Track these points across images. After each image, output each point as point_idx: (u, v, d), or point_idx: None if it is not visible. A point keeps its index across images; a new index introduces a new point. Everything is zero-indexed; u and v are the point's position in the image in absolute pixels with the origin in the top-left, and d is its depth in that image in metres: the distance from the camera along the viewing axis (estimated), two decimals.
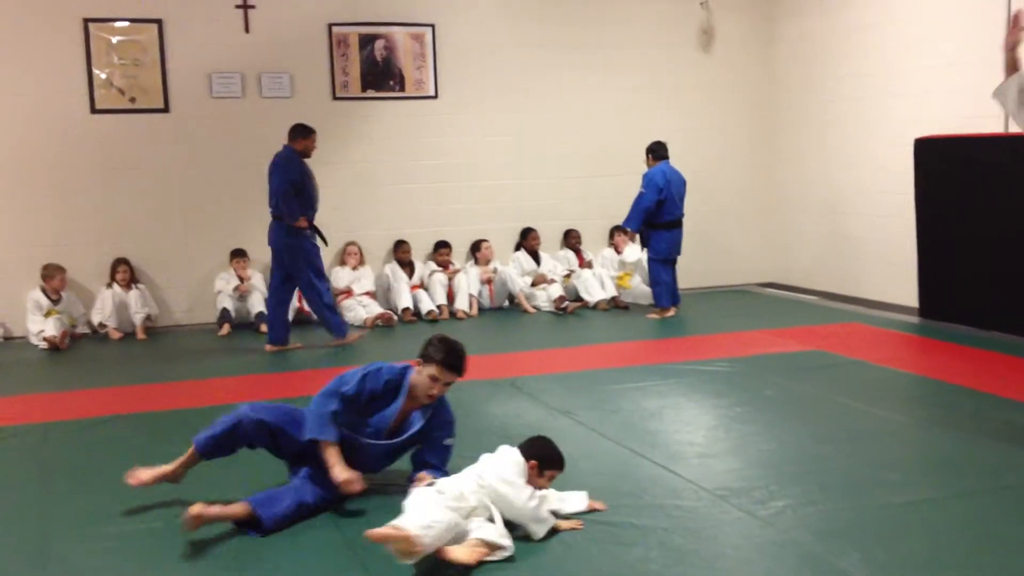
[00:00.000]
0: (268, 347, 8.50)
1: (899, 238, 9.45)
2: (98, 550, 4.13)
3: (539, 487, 4.18)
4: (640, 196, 9.45)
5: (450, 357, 4.52)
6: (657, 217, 9.46)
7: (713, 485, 4.74)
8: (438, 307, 9.86)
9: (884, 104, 9.73)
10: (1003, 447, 5.24)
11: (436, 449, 4.66)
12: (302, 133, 8.37)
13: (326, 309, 8.46)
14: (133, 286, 9.47)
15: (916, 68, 9.28)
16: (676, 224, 9.58)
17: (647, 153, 9.69)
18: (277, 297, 8.52)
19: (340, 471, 4.34)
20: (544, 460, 4.25)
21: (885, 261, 9.81)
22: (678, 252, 9.69)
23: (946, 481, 4.80)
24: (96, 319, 9.41)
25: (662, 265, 9.62)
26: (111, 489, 4.86)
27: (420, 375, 4.54)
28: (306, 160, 8.41)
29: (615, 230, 10.94)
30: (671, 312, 9.63)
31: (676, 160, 9.76)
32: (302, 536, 4.25)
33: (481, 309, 10.17)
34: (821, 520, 4.27)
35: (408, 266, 10.20)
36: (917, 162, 9.03)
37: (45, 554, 4.11)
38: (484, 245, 10.50)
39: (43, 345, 8.81)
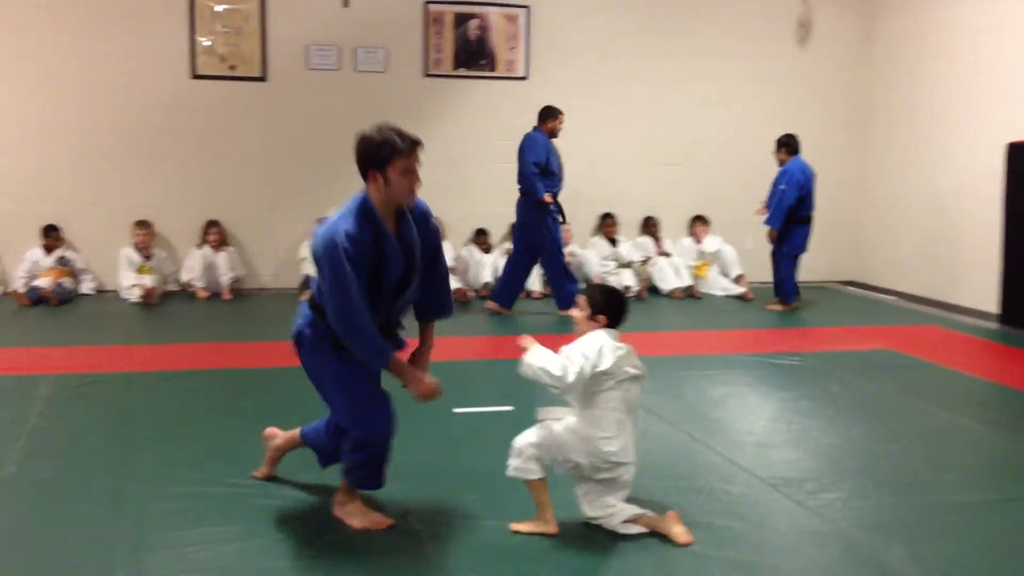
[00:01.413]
0: (489, 304, 9.18)
1: (985, 243, 9.30)
2: (171, 495, 4.35)
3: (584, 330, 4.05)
4: (782, 194, 9.32)
5: (399, 141, 3.88)
6: (796, 212, 9.38)
7: (767, 474, 4.80)
8: None
9: (979, 107, 9.57)
10: None
11: (440, 272, 4.25)
12: (550, 114, 9.00)
13: (565, 279, 8.96)
14: (223, 248, 9.79)
15: (1013, 72, 9.11)
16: (809, 219, 9.50)
17: (779, 146, 9.54)
18: (516, 266, 9.18)
19: (415, 385, 4.05)
20: (595, 305, 4.07)
21: (968, 266, 9.67)
22: (807, 247, 9.61)
23: (1002, 486, 4.80)
24: (185, 277, 9.76)
25: (793, 260, 9.55)
26: (188, 439, 5.14)
27: (385, 183, 3.89)
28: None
29: (695, 219, 10.95)
30: (791, 306, 9.54)
31: (764, 154, 9.73)
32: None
33: None
34: (870, 514, 4.31)
35: (486, 250, 10.35)
36: (1009, 167, 8.88)
37: (121, 497, 4.34)
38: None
39: (134, 299, 9.18)
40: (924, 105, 10.42)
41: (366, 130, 3.92)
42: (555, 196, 8.93)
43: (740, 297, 10.17)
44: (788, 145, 9.49)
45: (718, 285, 10.47)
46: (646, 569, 3.73)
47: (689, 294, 10.25)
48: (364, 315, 3.80)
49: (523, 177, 8.91)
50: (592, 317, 4.06)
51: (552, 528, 4.00)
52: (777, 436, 5.52)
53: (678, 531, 3.94)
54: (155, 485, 4.46)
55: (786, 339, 8.20)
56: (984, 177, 9.29)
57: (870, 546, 3.97)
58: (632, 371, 4.04)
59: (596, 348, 3.93)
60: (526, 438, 4.05)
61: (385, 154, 3.85)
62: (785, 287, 9.57)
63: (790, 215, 9.34)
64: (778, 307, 9.52)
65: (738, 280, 10.53)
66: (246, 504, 4.26)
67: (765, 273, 10.14)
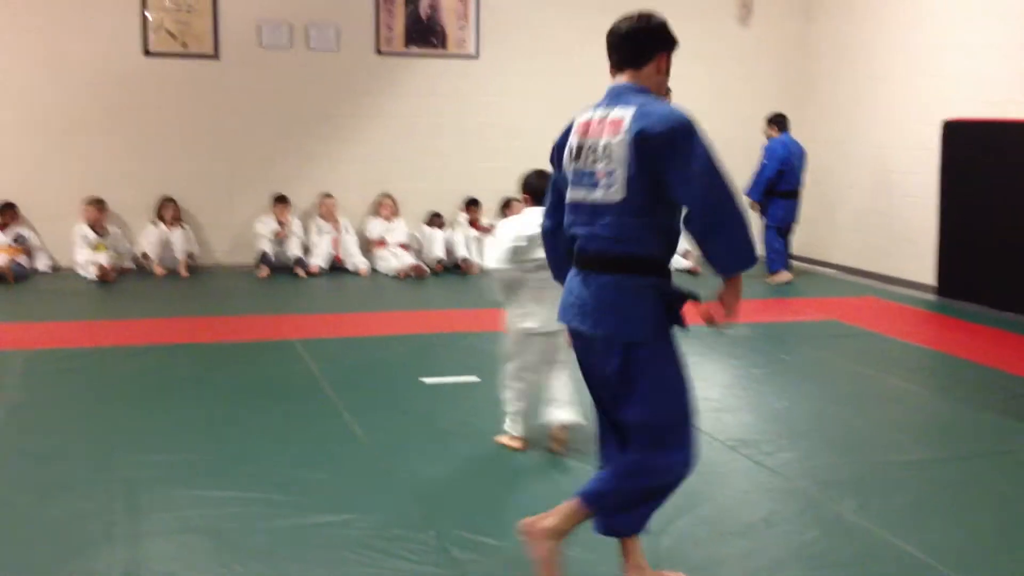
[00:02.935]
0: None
1: (922, 217, 9.66)
2: (158, 463, 4.49)
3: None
4: (762, 167, 10.03)
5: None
6: (776, 186, 9.99)
7: (725, 437, 5.06)
8: (463, 260, 10.11)
9: (915, 85, 9.91)
10: (1004, 416, 5.54)
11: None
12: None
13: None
14: (178, 225, 9.82)
15: (948, 49, 9.44)
16: (793, 194, 10.10)
17: (769, 124, 10.20)
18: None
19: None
20: (525, 186, 4.96)
21: (906, 239, 10.03)
22: (793, 220, 10.18)
23: (947, 444, 5.13)
24: (140, 249, 9.75)
25: (776, 232, 10.10)
26: (167, 409, 5.28)
27: (665, 71, 3.43)
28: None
29: None
30: (785, 277, 10.01)
31: (710, 129, 9.97)
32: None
33: None
34: (825, 472, 4.59)
35: (439, 226, 10.50)
36: (944, 143, 9.24)
37: (107, 464, 4.48)
38: (515, 204, 10.77)
39: (91, 276, 9.19)
40: (863, 82, 10.74)
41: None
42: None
43: (689, 272, 10.44)
44: (777, 123, 10.17)
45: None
46: None
47: None
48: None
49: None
50: (523, 198, 4.89)
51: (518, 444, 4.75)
52: (732, 401, 5.78)
53: None
54: (140, 453, 4.60)
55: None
56: (921, 153, 9.63)
57: (826, 500, 4.24)
58: None
59: (518, 224, 4.74)
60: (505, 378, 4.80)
61: (672, 39, 3.41)
62: (767, 256, 10.08)
63: (770, 188, 9.95)
64: (778, 279, 9.93)
65: (685, 255, 10.80)
66: (232, 470, 4.41)
67: None
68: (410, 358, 6.54)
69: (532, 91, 10.87)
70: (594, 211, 3.19)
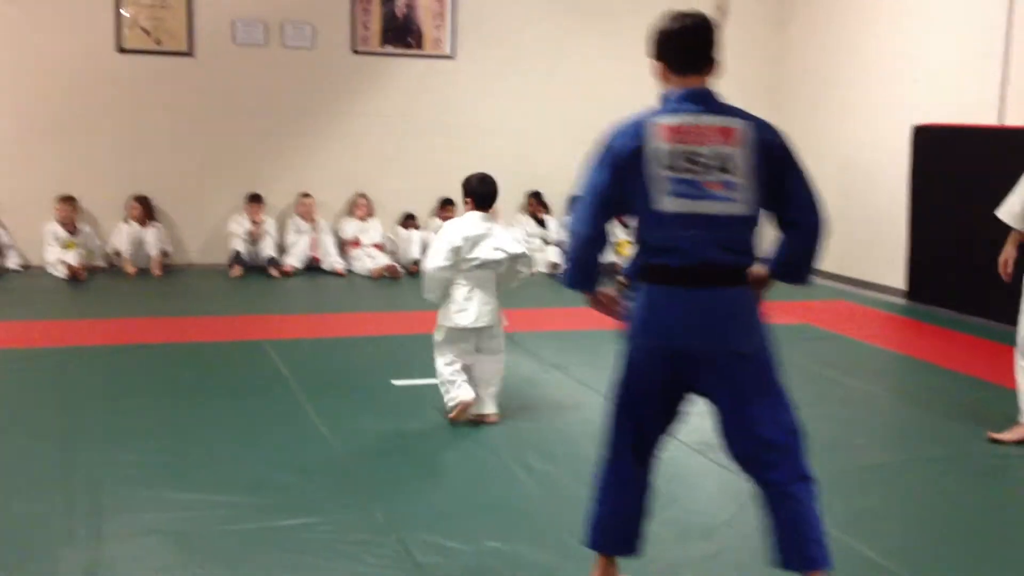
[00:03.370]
0: None
1: (892, 222, 9.73)
2: (121, 463, 4.48)
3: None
4: None
5: None
6: None
7: (692, 440, 5.07)
8: None
9: (885, 90, 9.98)
10: (965, 420, 5.58)
11: None
12: None
13: None
14: (149, 223, 9.78)
15: (918, 55, 9.52)
16: None
17: None
18: None
19: None
20: (465, 189, 5.26)
21: (877, 243, 10.10)
22: None
23: (907, 447, 5.20)
24: (112, 248, 9.71)
25: None
26: (131, 410, 5.27)
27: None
28: None
29: None
30: None
31: None
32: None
33: None
34: None
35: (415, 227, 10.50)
36: (914, 148, 9.31)
37: (71, 464, 4.47)
38: (448, 206, 10.73)
39: (61, 274, 9.15)
40: (833, 87, 10.81)
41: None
42: None
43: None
44: None
45: None
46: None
47: (614, 271, 10.51)
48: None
49: None
50: (464, 201, 5.23)
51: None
52: (699, 405, 5.79)
53: None
54: (104, 453, 4.59)
55: None
56: (891, 157, 9.70)
57: None
58: (497, 255, 5.15)
59: (459, 225, 5.15)
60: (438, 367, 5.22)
61: None
62: None
63: None
64: None
65: None
66: (197, 472, 4.41)
67: None
68: (381, 359, 6.55)
69: (508, 91, 10.89)
70: (709, 223, 3.04)
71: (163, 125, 9.99)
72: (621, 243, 10.85)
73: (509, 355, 6.69)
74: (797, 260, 3.25)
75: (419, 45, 10.71)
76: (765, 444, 3.22)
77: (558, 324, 7.79)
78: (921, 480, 4.67)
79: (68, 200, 9.54)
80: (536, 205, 10.98)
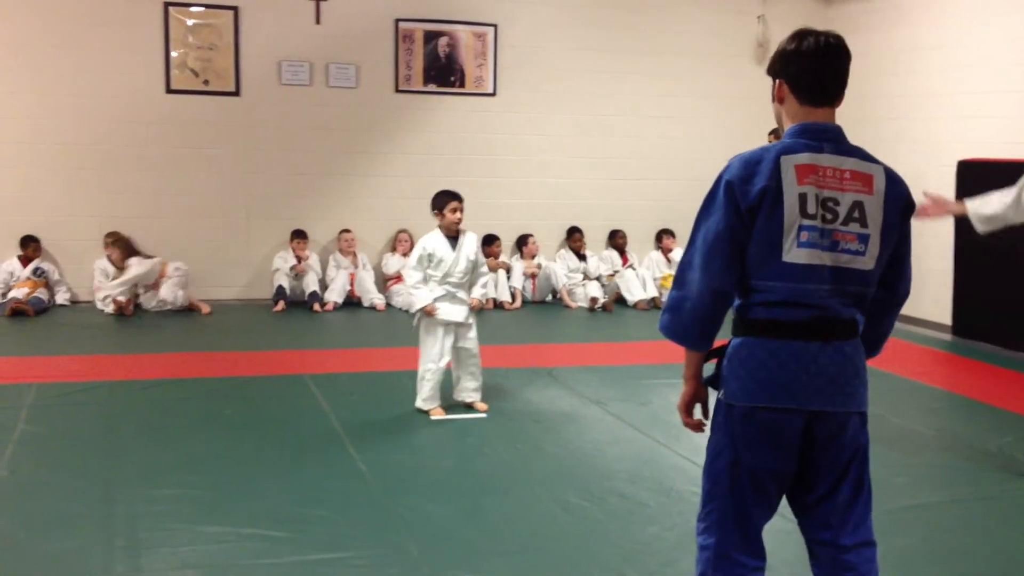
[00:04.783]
0: None
1: (939, 258, 9.63)
2: (161, 497, 4.53)
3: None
4: None
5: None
6: None
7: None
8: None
9: (929, 125, 9.92)
10: (1007, 459, 5.50)
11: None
12: None
13: None
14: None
15: (962, 92, 9.46)
16: None
17: (772, 135, 9.91)
18: None
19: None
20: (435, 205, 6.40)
21: (924, 279, 9.97)
22: None
23: (948, 487, 5.09)
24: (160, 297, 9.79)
25: None
26: (172, 444, 5.33)
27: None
28: None
29: (663, 232, 11.23)
30: None
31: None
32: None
33: (524, 302, 10.51)
34: None
35: None
36: (959, 183, 9.23)
37: (111, 498, 4.52)
38: (530, 240, 10.84)
39: (109, 310, 9.29)
40: (879, 123, 10.74)
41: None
42: None
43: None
44: (777, 135, 9.91)
45: None
46: (635, 555, 3.96)
47: (655, 305, 10.49)
48: None
49: None
50: (435, 214, 6.32)
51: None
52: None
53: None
54: (144, 488, 4.64)
55: None
56: (937, 191, 9.59)
57: None
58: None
59: (421, 246, 6.26)
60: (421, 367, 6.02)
61: None
62: None
63: None
64: None
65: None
66: (234, 505, 4.45)
67: None
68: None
69: (549, 129, 10.96)
70: (837, 276, 2.70)
71: (211, 163, 10.16)
72: (666, 277, 10.83)
73: (549, 390, 6.74)
74: (886, 334, 3.00)
75: (461, 84, 10.82)
76: (849, 507, 2.91)
77: (597, 359, 7.78)
78: (963, 521, 4.59)
79: (116, 236, 9.69)
80: (577, 240, 11.00)
